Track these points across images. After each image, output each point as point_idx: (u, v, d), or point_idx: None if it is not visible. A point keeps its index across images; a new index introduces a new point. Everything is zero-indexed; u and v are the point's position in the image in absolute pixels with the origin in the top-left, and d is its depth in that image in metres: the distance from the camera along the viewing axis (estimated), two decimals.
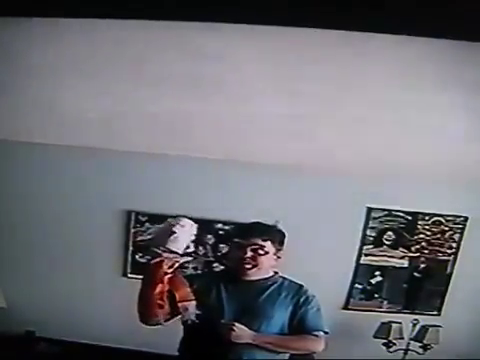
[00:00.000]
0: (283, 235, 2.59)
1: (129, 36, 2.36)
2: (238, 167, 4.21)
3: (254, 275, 2.47)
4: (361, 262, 4.40)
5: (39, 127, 3.88)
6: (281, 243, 2.55)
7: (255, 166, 4.19)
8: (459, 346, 4.15)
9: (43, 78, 2.89)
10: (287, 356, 2.53)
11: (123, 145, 4.11)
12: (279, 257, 2.52)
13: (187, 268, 4.27)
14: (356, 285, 4.43)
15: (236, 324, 2.33)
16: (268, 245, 2.47)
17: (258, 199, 4.20)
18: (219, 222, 4.28)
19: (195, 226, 2.36)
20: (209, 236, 4.31)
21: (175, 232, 2.26)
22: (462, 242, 4.38)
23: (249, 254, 2.46)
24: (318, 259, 4.13)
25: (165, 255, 2.25)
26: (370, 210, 4.34)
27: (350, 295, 4.44)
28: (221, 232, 4.29)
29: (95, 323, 4.22)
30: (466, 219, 4.34)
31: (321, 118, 3.22)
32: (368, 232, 4.37)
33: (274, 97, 2.90)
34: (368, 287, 4.45)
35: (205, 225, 4.24)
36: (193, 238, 2.34)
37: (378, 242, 4.39)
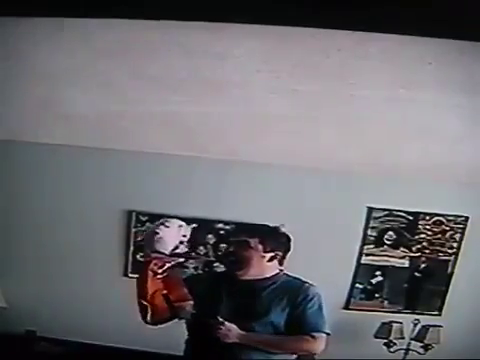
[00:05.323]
0: (283, 238, 2.57)
1: (129, 36, 2.36)
2: (238, 167, 4.21)
3: (248, 274, 2.45)
4: (362, 262, 4.40)
5: (39, 127, 3.88)
6: (278, 244, 2.52)
7: (255, 166, 4.20)
8: (460, 346, 4.14)
9: (43, 78, 2.89)
10: (293, 357, 2.50)
11: (123, 145, 4.12)
12: (274, 257, 2.49)
13: (187, 268, 4.29)
14: (357, 285, 4.43)
15: (225, 323, 2.31)
16: (254, 242, 2.45)
17: (258, 199, 4.20)
18: (219, 222, 4.28)
19: (185, 227, 2.35)
20: (209, 236, 4.31)
21: (158, 233, 2.26)
22: (463, 242, 4.38)
23: (232, 248, 2.48)
24: (318, 259, 4.13)
25: (153, 255, 2.25)
26: (371, 210, 4.34)
27: (351, 295, 4.44)
28: (221, 232, 4.28)
29: (96, 323, 4.22)
30: (467, 219, 4.34)
31: (321, 118, 3.22)
32: (369, 232, 4.37)
33: (274, 97, 2.90)
34: (369, 287, 4.45)
35: (205, 225, 4.25)
36: (183, 239, 2.32)
37: (379, 242, 4.39)
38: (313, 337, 2.38)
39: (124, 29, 2.29)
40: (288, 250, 2.57)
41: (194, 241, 4.30)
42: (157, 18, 2.15)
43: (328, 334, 2.44)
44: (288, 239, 2.58)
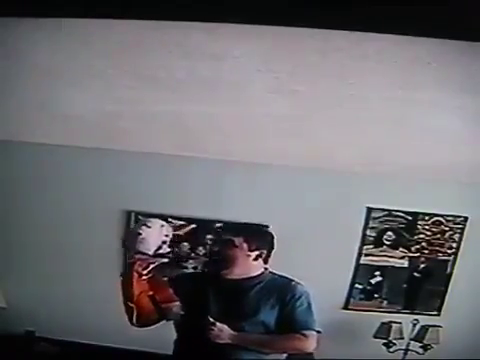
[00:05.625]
0: (268, 236, 2.58)
1: (129, 36, 2.35)
2: (238, 167, 4.22)
3: (233, 274, 2.43)
4: (361, 262, 4.40)
5: (39, 127, 3.88)
6: (263, 242, 2.51)
7: (255, 166, 4.20)
8: (459, 346, 4.15)
9: (43, 78, 2.89)
10: (283, 357, 2.49)
11: (123, 145, 4.12)
12: (259, 256, 2.47)
13: (186, 268, 4.29)
14: (356, 285, 4.44)
15: (217, 323, 2.30)
16: (239, 240, 2.43)
17: (258, 199, 4.21)
18: (219, 222, 4.28)
19: (167, 227, 2.34)
20: (209, 236, 4.31)
21: (140, 234, 2.25)
22: (462, 242, 4.38)
23: (217, 248, 2.48)
24: (318, 259, 4.13)
25: (137, 257, 2.24)
26: (370, 210, 4.34)
27: (350, 295, 4.44)
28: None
29: (95, 323, 4.22)
30: (466, 219, 4.35)
31: (321, 118, 3.22)
32: (368, 232, 4.37)
33: (274, 97, 2.90)
34: (368, 287, 4.46)
35: (204, 225, 4.25)
36: (165, 239, 2.31)
37: (378, 242, 4.40)
38: (304, 335, 2.37)
39: (123, 29, 2.28)
40: (272, 248, 2.56)
41: (193, 241, 4.32)
42: (156, 18, 2.15)
43: (319, 332, 2.43)
44: (272, 237, 2.57)
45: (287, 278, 2.50)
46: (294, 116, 3.19)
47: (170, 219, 4.23)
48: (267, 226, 2.58)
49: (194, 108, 3.19)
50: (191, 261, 4.35)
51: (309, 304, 2.42)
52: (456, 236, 4.39)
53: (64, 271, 4.26)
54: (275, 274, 2.53)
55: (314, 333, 2.40)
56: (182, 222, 4.31)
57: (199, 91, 2.94)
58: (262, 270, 2.50)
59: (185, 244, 4.35)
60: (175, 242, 4.29)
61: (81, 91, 3.05)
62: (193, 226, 4.31)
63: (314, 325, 2.41)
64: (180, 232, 4.32)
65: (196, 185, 4.27)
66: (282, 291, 2.42)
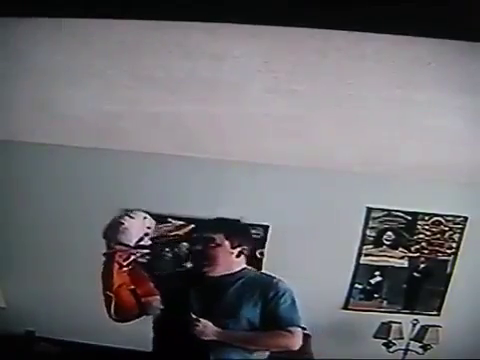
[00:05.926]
0: (248, 231, 2.56)
1: (129, 36, 2.36)
2: (238, 167, 4.21)
3: (216, 271, 2.40)
4: (361, 262, 4.40)
5: (39, 127, 3.88)
6: (244, 238, 2.48)
7: (255, 166, 4.20)
8: (459, 346, 4.15)
9: (43, 78, 2.89)
10: (266, 355, 2.44)
11: (122, 145, 4.12)
12: (242, 253, 2.44)
13: (186, 267, 4.28)
14: (356, 285, 4.43)
15: (201, 320, 2.27)
16: (220, 238, 2.41)
17: (258, 199, 4.20)
18: None
19: (150, 220, 2.31)
20: None
21: (123, 223, 2.23)
22: (462, 242, 4.39)
23: (199, 247, 2.44)
24: (318, 259, 4.13)
25: (117, 248, 2.22)
26: (370, 210, 4.35)
27: (350, 295, 4.44)
28: None
29: (95, 323, 4.20)
30: (466, 219, 4.35)
31: (321, 118, 3.22)
32: (368, 232, 4.37)
33: (273, 97, 2.90)
34: (368, 287, 4.46)
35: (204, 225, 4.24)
36: (147, 231, 2.29)
37: (378, 242, 4.40)
38: (290, 332, 2.33)
39: (123, 29, 2.28)
40: (253, 244, 2.55)
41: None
42: (156, 18, 2.15)
43: (304, 329, 2.40)
44: (247, 232, 2.56)
45: (269, 275, 2.47)
46: (294, 116, 3.20)
47: (170, 219, 4.24)
48: (244, 221, 2.54)
49: (194, 108, 3.19)
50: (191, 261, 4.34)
51: (293, 301, 2.39)
52: (456, 236, 4.39)
53: (64, 271, 4.25)
54: (257, 271, 2.52)
55: (299, 330, 2.36)
56: (182, 222, 4.31)
57: (199, 91, 2.94)
58: (243, 267, 2.47)
59: (185, 244, 4.34)
60: (175, 242, 4.31)
61: (81, 91, 3.06)
62: (193, 226, 4.31)
63: (299, 322, 2.37)
64: (180, 232, 4.32)
65: (196, 185, 4.26)
66: (264, 288, 2.38)
